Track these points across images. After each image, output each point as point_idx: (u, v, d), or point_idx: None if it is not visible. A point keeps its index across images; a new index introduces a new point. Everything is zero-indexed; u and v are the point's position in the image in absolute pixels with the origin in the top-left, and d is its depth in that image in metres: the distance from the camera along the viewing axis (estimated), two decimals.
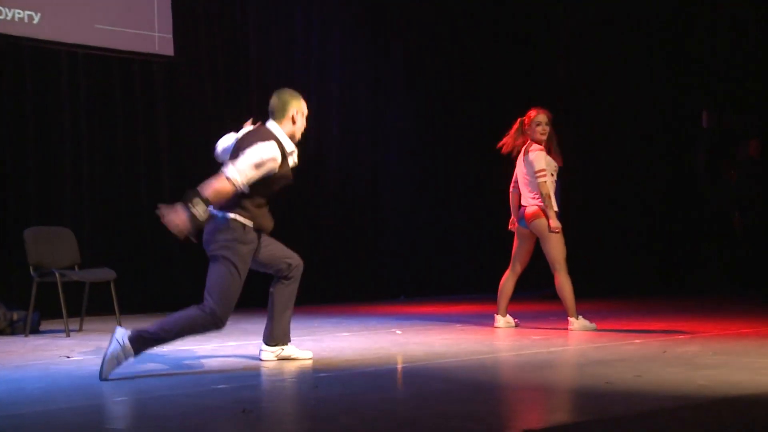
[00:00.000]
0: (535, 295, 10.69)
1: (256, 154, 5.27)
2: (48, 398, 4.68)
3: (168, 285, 9.58)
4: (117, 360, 5.07)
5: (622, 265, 11.84)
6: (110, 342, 5.10)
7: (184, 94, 9.94)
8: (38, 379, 5.27)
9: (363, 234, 11.44)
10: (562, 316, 7.63)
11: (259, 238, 5.49)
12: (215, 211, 5.33)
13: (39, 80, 9.07)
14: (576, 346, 6.47)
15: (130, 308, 8.87)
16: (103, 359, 5.09)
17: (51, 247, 7.92)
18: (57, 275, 7.59)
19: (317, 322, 8.38)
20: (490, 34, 12.42)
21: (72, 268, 7.95)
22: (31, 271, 7.71)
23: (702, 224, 12.66)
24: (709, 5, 12.98)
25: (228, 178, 5.18)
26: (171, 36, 9.78)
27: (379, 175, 11.66)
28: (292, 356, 5.81)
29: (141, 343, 5.11)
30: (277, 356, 5.79)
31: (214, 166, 10.45)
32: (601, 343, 6.61)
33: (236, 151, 5.37)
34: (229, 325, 7.99)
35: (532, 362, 5.74)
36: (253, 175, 5.26)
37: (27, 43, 8.95)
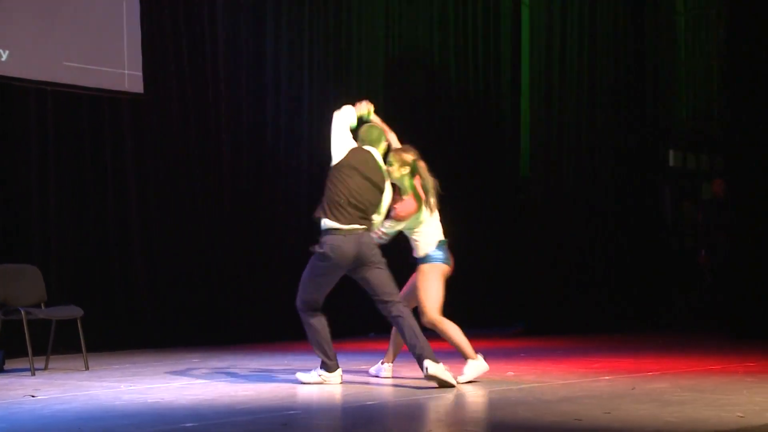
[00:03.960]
0: (506, 333, 10.71)
1: None
2: None
3: (135, 322, 9.49)
4: None
5: (589, 303, 11.88)
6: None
7: (153, 132, 9.90)
8: (2, 419, 5.19)
9: None
10: (533, 353, 7.63)
11: None
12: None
13: (7, 117, 9.01)
14: (546, 383, 6.48)
15: (97, 346, 8.76)
16: None
17: (16, 285, 7.82)
18: (22, 313, 7.49)
19: (288, 359, 8.34)
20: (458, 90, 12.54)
21: (38, 305, 7.86)
22: None
23: (668, 262, 12.76)
24: (674, 46, 13.18)
25: None
26: (141, 73, 9.75)
27: None
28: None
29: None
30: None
31: (182, 203, 10.30)
32: (570, 379, 6.62)
33: None
34: (198, 363, 7.94)
35: (503, 399, 5.74)
36: None
37: None
